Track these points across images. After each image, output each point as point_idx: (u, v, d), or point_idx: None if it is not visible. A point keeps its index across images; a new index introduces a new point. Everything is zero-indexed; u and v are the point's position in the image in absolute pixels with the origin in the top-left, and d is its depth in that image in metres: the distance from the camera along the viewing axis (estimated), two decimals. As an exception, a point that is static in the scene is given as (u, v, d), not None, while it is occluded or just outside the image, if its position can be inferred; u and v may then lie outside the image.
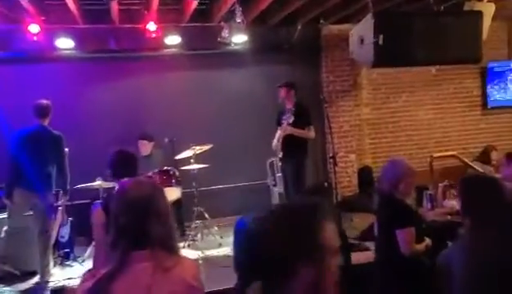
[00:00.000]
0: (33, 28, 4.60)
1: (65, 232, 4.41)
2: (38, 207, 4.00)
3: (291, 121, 4.77)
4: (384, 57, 3.85)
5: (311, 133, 4.84)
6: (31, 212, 4.02)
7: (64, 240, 4.40)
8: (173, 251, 1.52)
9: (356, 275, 2.78)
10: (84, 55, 5.42)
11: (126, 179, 2.45)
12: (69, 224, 4.45)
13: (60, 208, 4.54)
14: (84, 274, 1.51)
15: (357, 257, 3.79)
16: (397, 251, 2.60)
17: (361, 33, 3.97)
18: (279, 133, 4.88)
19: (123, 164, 2.60)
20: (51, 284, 3.78)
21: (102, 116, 5.44)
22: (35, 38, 4.64)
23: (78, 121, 5.32)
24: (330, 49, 6.14)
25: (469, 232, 2.04)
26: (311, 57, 6.25)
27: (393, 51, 3.86)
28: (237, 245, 1.41)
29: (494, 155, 6.44)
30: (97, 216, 2.34)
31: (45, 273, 3.99)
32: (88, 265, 4.05)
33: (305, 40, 5.97)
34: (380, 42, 3.72)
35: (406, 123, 6.60)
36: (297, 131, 4.75)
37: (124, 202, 1.50)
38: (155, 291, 1.41)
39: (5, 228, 3.98)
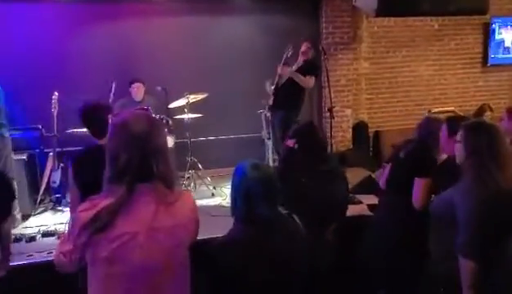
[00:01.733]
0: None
1: (57, 177, 4.35)
2: None
3: (295, 67, 4.69)
4: (388, 5, 3.71)
5: (310, 81, 4.74)
6: None
7: (55, 185, 4.35)
8: (173, 186, 1.50)
9: (350, 227, 2.76)
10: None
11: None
12: (60, 169, 4.38)
13: (50, 154, 4.48)
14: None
15: (351, 210, 3.79)
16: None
17: (366, -21, 3.79)
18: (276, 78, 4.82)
19: (91, 116, 2.51)
20: (42, 228, 3.76)
21: (92, 61, 5.24)
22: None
23: (67, 66, 5.15)
24: (331, -3, 5.90)
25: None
26: (310, 6, 6.02)
27: (398, 0, 3.70)
28: None
29: (488, 115, 6.40)
30: (70, 172, 2.40)
31: (15, 221, 3.94)
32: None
33: (305, -13, 5.75)
34: (385, -12, 3.56)
35: (404, 79, 6.48)
36: (296, 75, 4.64)
37: (125, 137, 1.44)
38: (158, 224, 1.40)
39: None
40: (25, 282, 2.33)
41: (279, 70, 4.75)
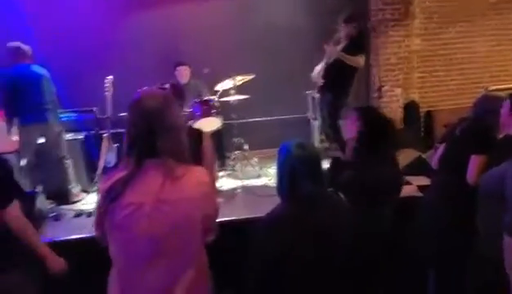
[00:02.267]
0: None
1: (111, 158, 4.54)
2: (48, 134, 4.17)
3: (340, 47, 4.56)
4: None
5: (360, 60, 4.56)
6: (43, 140, 4.19)
7: (110, 165, 4.54)
8: (185, 162, 1.54)
9: (400, 208, 2.71)
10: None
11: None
12: (115, 150, 4.57)
13: (105, 135, 4.68)
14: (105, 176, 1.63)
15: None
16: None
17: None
18: (322, 64, 4.70)
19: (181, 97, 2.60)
20: (93, 206, 3.98)
21: (141, 44, 5.39)
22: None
23: (116, 49, 5.32)
24: (380, -28, 5.68)
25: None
26: (359, -18, 5.83)
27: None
28: None
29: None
30: None
31: (72, 196, 4.31)
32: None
33: (353, -39, 5.54)
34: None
35: (458, 56, 6.16)
36: (345, 56, 4.51)
37: (136, 112, 1.53)
38: (164, 197, 1.46)
39: (22, 163, 4.12)
40: (86, 254, 2.50)
41: (326, 49, 4.64)
